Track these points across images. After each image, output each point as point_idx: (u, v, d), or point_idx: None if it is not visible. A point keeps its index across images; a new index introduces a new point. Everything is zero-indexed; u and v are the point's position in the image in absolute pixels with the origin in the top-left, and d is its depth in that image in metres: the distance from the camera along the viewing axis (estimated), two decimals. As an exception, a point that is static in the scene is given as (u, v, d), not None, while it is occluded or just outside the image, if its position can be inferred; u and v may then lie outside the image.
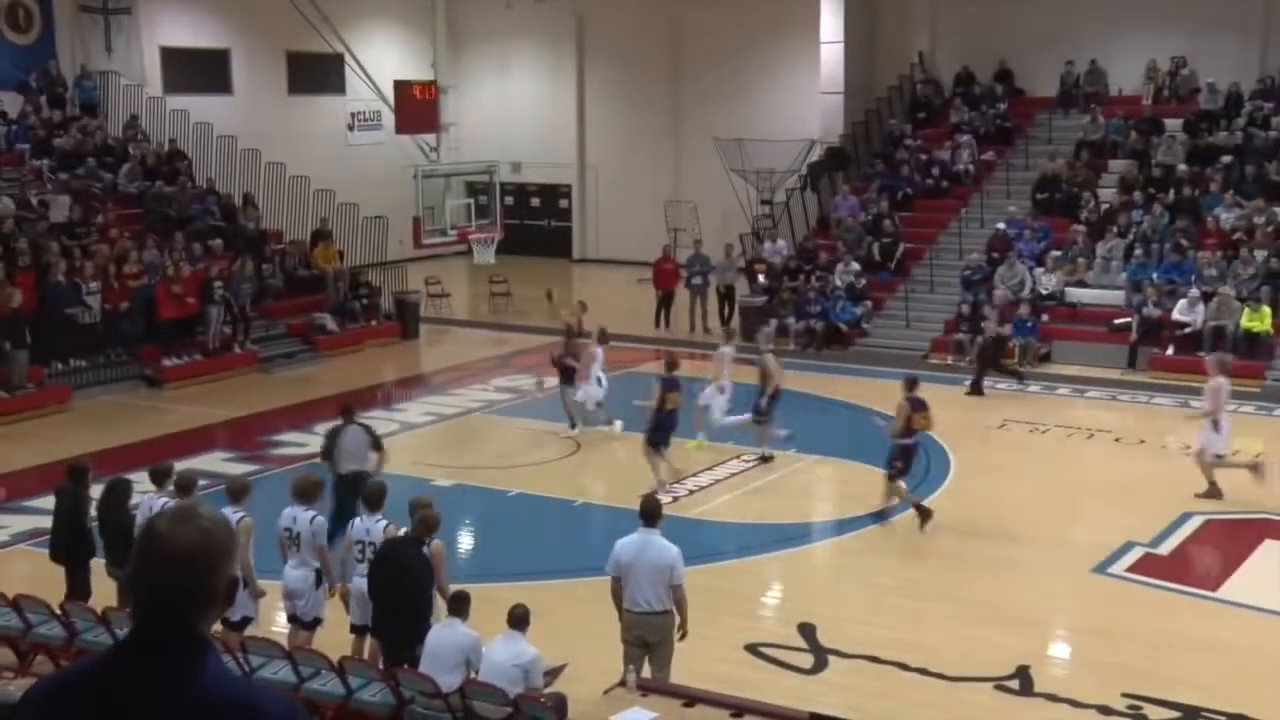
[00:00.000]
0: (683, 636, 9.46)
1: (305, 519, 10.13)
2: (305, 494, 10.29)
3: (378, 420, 19.59)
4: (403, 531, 9.85)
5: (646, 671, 9.30)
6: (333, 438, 13.49)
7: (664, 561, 9.21)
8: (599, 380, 18.03)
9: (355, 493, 12.32)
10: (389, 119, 32.31)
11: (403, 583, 9.45)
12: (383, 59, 33.28)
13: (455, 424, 19.37)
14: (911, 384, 14.79)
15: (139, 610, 2.75)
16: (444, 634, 8.93)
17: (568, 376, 17.99)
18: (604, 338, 18.47)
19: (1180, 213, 24.19)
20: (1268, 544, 14.10)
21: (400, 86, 31.55)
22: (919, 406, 14.53)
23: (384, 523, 10.08)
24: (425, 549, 9.56)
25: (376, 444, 13.59)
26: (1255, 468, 15.53)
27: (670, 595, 9.27)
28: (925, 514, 14.41)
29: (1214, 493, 15.37)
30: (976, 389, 20.77)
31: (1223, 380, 15.69)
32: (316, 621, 10.32)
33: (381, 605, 9.60)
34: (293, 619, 10.38)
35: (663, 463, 15.72)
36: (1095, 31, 27.93)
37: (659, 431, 15.57)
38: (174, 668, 2.66)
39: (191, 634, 2.69)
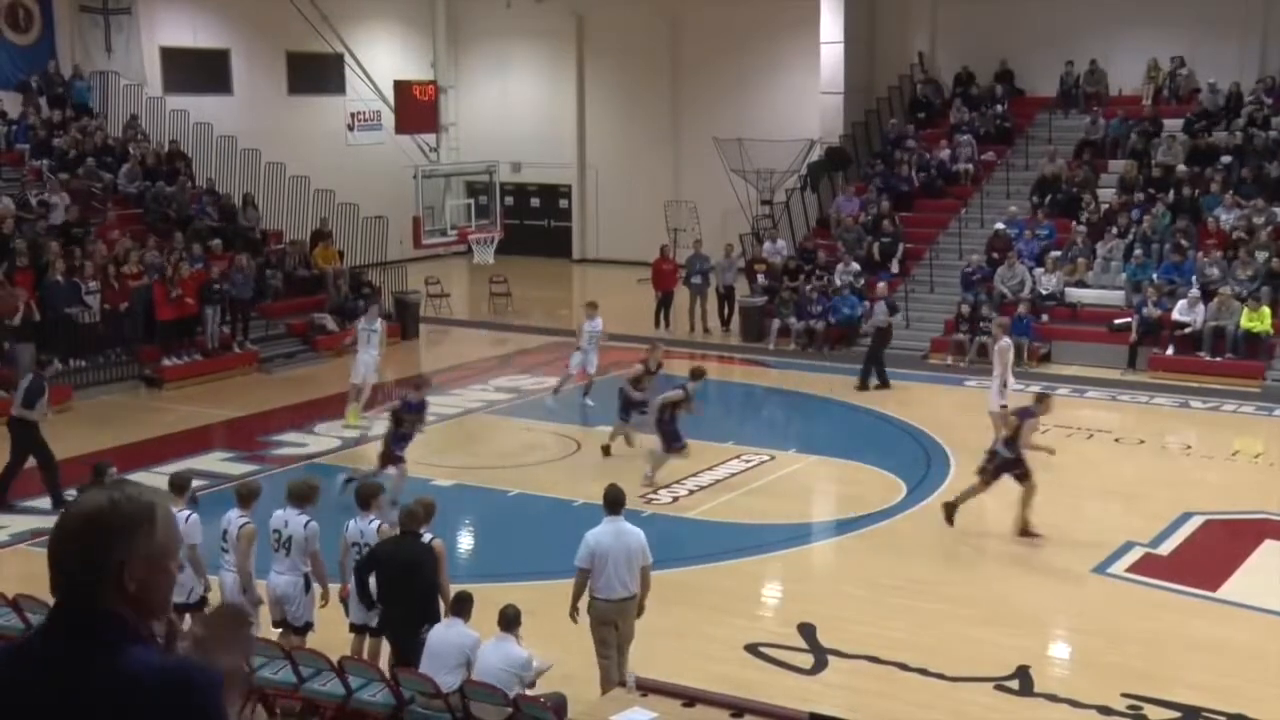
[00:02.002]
0: (639, 614, 9.79)
1: (298, 523, 9.96)
2: (300, 497, 10.12)
3: (379, 420, 19.68)
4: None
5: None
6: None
7: (638, 544, 9.68)
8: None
9: (17, 438, 14.62)
10: (389, 119, 32.22)
11: (406, 580, 9.45)
12: (383, 59, 33.23)
13: (455, 424, 19.36)
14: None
15: (53, 591, 2.57)
16: (445, 634, 8.93)
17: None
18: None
19: (1180, 213, 24.18)
20: (1268, 544, 14.09)
21: (400, 86, 31.48)
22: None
23: (378, 523, 10.05)
24: (424, 541, 9.55)
25: (27, 403, 14.78)
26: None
27: (637, 577, 9.67)
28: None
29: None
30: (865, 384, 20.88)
31: (1007, 341, 17.02)
32: (308, 626, 10.15)
33: (386, 605, 9.57)
34: (282, 624, 10.13)
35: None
36: (1095, 31, 27.93)
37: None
38: (86, 656, 2.47)
39: (97, 619, 2.49)
